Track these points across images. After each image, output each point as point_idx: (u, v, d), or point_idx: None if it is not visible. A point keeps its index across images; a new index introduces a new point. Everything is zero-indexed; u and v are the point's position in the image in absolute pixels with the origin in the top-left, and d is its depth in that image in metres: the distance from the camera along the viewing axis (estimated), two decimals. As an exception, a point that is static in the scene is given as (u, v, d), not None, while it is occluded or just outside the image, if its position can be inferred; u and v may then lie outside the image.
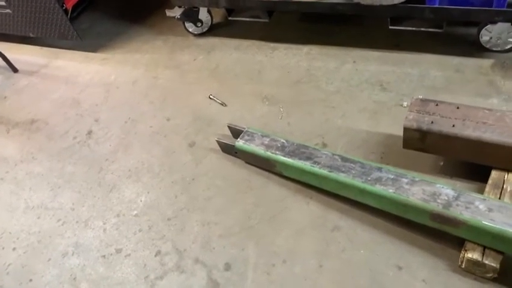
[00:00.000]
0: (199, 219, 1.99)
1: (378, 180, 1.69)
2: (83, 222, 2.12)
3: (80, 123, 2.67)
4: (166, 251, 1.91)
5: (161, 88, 2.77)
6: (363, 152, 2.09)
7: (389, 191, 1.64)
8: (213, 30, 3.09)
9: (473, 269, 1.53)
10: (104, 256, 1.96)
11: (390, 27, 2.46)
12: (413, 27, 2.42)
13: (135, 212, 2.10)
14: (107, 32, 3.41)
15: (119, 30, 3.39)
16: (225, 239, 1.89)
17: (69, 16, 3.15)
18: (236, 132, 2.19)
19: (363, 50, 2.63)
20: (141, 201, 2.14)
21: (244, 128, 2.14)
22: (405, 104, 2.22)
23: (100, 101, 2.80)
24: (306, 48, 2.77)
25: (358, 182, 1.73)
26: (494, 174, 1.68)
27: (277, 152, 1.98)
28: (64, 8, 3.06)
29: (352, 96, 2.39)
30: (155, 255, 1.91)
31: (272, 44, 2.87)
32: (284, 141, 2.01)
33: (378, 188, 1.67)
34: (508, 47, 2.31)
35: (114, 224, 2.08)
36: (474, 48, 2.41)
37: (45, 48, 3.45)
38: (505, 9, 2.11)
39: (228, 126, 2.25)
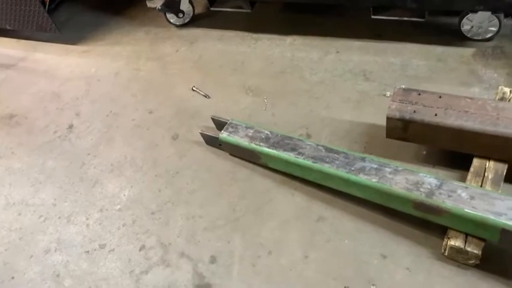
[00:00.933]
0: (183, 213, 1.97)
1: (362, 170, 1.70)
2: (65, 217, 2.08)
3: (60, 117, 2.62)
4: (150, 245, 1.89)
5: (143, 80, 2.73)
6: (346, 142, 2.10)
7: (372, 180, 1.65)
8: (195, 21, 3.05)
9: (456, 256, 1.55)
10: (87, 252, 1.93)
11: (372, 16, 2.46)
12: (395, 16, 2.42)
13: (119, 206, 2.08)
14: (87, 24, 3.34)
15: (99, 22, 3.32)
16: (210, 232, 1.88)
17: (47, 8, 3.07)
18: (220, 124, 2.17)
19: (346, 40, 2.63)
20: (124, 195, 2.11)
21: (228, 120, 2.12)
22: (388, 93, 2.22)
23: (81, 95, 2.74)
24: (289, 39, 2.76)
25: (342, 172, 1.73)
26: (475, 162, 1.70)
27: (261, 144, 1.97)
28: (42, -1, 2.99)
29: (336, 87, 2.38)
30: (140, 250, 1.89)
31: (255, 35, 2.84)
32: (268, 132, 2.00)
33: (362, 178, 1.67)
34: (489, 35, 2.33)
35: (97, 219, 2.05)
36: (456, 38, 2.43)
37: (22, 41, 3.36)
38: (485, -2, 2.13)
39: (212, 118, 2.23)
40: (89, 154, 2.36)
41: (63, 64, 3.03)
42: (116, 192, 2.14)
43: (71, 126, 2.54)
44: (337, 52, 2.59)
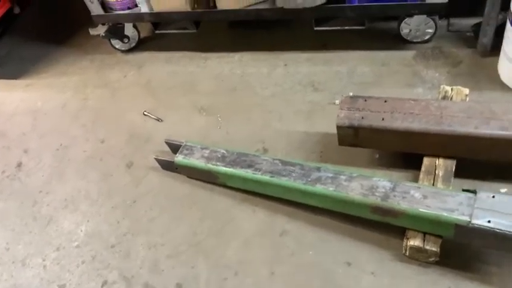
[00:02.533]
0: (144, 242, 1.92)
1: (318, 180, 1.71)
2: (20, 261, 1.98)
3: (7, 156, 2.50)
4: (113, 280, 1.83)
5: (92, 109, 2.66)
6: (303, 152, 2.11)
7: (329, 189, 1.66)
8: (142, 45, 3.02)
9: (416, 256, 1.58)
10: (46, 295, 1.84)
11: (315, 28, 2.52)
12: (336, 26, 2.48)
13: (76, 243, 2.00)
14: (29, 56, 3.23)
15: (42, 54, 3.22)
16: (173, 259, 1.84)
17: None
18: (175, 148, 2.14)
19: (293, 53, 2.67)
20: (81, 231, 2.04)
21: (183, 142, 2.10)
22: (337, 101, 2.26)
23: (28, 130, 2.64)
24: (237, 56, 2.77)
25: (299, 184, 1.74)
26: (426, 161, 1.75)
27: (218, 163, 1.95)
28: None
29: (287, 99, 2.41)
30: (102, 286, 1.81)
31: (204, 54, 2.84)
32: (224, 151, 1.98)
33: (319, 188, 1.69)
34: (427, 37, 2.43)
35: (54, 259, 1.96)
36: (397, 41, 2.51)
37: (-40, 80, 3.21)
38: (419, 2, 2.22)
39: (166, 142, 2.19)
40: (40, 191, 2.26)
41: (6, 100, 2.91)
42: (72, 228, 2.06)
43: (19, 164, 2.44)
44: (286, 65, 2.62)
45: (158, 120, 2.46)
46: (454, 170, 1.70)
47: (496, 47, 2.21)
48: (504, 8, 2.05)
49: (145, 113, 2.51)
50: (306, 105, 2.34)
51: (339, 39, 2.64)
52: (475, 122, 1.63)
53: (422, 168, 1.74)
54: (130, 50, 3.00)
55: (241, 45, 2.81)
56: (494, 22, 2.16)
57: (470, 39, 2.43)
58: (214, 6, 2.51)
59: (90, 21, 2.82)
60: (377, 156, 2.00)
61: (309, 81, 2.47)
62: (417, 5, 2.23)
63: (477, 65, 2.31)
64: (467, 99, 1.93)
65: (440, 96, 1.96)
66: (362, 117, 1.78)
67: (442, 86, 2.02)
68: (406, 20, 2.36)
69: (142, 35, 3.03)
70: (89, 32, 2.91)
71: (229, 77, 2.64)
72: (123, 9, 2.70)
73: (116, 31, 2.86)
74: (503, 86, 2.16)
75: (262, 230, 1.86)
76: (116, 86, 2.79)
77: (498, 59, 2.20)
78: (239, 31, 2.95)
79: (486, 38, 2.22)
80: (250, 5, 2.46)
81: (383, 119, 1.75)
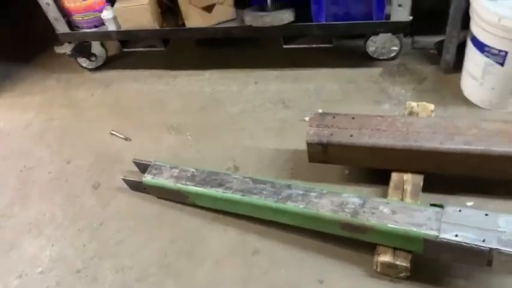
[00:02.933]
0: (112, 266, 1.85)
1: (289, 197, 1.70)
2: (-21, 290, 1.88)
3: (-33, 179, 2.40)
4: (78, 306, 1.76)
5: (58, 129, 2.59)
6: (273, 170, 2.11)
7: (300, 206, 1.66)
8: (109, 63, 2.98)
9: (387, 271, 1.58)
10: (6, 326, 1.75)
11: (284, 46, 2.54)
12: (305, 44, 2.52)
13: (40, 268, 1.91)
14: (-9, 75, 3.14)
15: (5, 73, 3.13)
16: (142, 282, 1.78)
17: None
18: (143, 167, 2.09)
19: (263, 71, 2.68)
20: (45, 256, 1.95)
21: (151, 162, 2.06)
22: (307, 118, 2.28)
23: (-11, 152, 2.54)
24: (207, 73, 2.77)
25: (270, 202, 1.72)
26: (394, 176, 1.77)
27: (187, 183, 1.92)
28: None
29: (258, 117, 2.41)
30: (67, 314, 1.74)
31: (173, 72, 2.82)
32: (194, 170, 1.96)
33: (290, 205, 1.68)
34: (393, 54, 2.49)
35: (16, 286, 1.87)
36: (364, 59, 2.56)
37: None
38: (384, 21, 2.28)
39: (134, 162, 2.15)
40: (2, 216, 2.17)
41: (-34, 121, 2.81)
42: (36, 253, 1.97)
43: (-21, 188, 2.34)
44: (256, 83, 2.63)
45: (126, 140, 2.41)
46: (421, 184, 1.73)
47: (458, 64, 2.28)
48: (465, 26, 2.12)
49: (112, 132, 2.46)
50: (276, 123, 2.35)
51: (308, 56, 2.67)
52: (440, 138, 1.67)
53: (391, 184, 1.75)
54: (98, 69, 2.95)
55: (211, 63, 2.81)
56: (456, 40, 2.23)
57: (434, 56, 2.50)
58: (183, 24, 2.51)
59: (56, 39, 2.77)
60: (347, 172, 2.01)
61: (279, 98, 2.48)
62: (382, 24, 2.29)
63: (441, 81, 2.37)
64: (433, 114, 1.97)
65: (406, 112, 2.00)
66: (331, 134, 1.79)
67: (408, 102, 2.06)
68: (372, 38, 2.41)
69: (110, 53, 2.99)
70: (54, 51, 2.85)
71: (199, 95, 2.63)
72: (89, 27, 2.67)
73: (82, 49, 2.81)
74: (466, 101, 2.23)
75: (234, 249, 1.82)
76: (82, 105, 2.73)
77: (461, 75, 2.27)
78: (208, 49, 2.95)
79: (449, 55, 2.29)
80: (218, 23, 2.47)
81: (351, 136, 1.77)
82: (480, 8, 1.85)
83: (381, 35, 2.39)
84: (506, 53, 1.87)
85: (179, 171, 1.98)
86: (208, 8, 2.40)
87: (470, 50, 2.05)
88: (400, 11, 2.23)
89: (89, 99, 2.76)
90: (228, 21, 2.49)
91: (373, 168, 1.89)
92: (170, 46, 2.85)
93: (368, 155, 1.76)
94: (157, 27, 2.53)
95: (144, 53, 2.90)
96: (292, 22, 2.35)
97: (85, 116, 2.65)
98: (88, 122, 2.60)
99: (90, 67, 2.93)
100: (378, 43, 2.43)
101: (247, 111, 2.46)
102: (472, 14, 1.97)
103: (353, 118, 1.83)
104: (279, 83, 2.59)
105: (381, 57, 2.51)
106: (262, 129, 2.33)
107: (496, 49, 1.88)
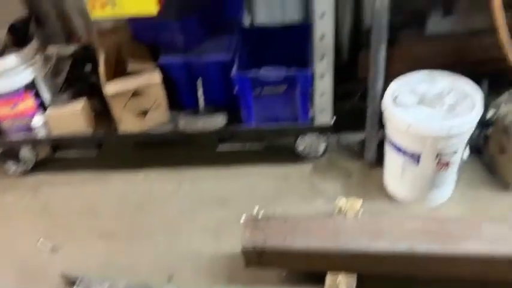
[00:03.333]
0: None
1: (225, 309, 1.66)
2: None
3: None
4: None
5: (-23, 241, 2.41)
6: (210, 275, 2.07)
7: (237, 319, 1.62)
8: (40, 167, 2.88)
9: None
10: None
11: (219, 147, 2.62)
12: (236, 148, 2.62)
13: None
14: None
15: None
16: None
17: None
18: (71, 282, 1.97)
19: (198, 170, 2.71)
20: None
21: (78, 277, 1.95)
22: (243, 220, 2.30)
23: None
24: (142, 174, 2.75)
25: (206, 316, 1.67)
26: (328, 278, 1.80)
27: (118, 298, 1.83)
28: None
29: (194, 218, 2.40)
30: None
31: (106, 174, 2.77)
32: (124, 284, 1.87)
33: (226, 318, 1.63)
34: (320, 153, 2.63)
35: None
36: (295, 157, 2.68)
37: None
38: (309, 124, 2.44)
39: (61, 276, 2.02)
40: None
41: None
42: None
43: None
44: (191, 182, 2.64)
45: (54, 250, 2.28)
46: (354, 285, 1.76)
47: (382, 159, 2.45)
48: (383, 125, 2.29)
49: (39, 243, 2.32)
50: (213, 224, 2.34)
51: (242, 155, 2.75)
52: (366, 239, 1.74)
53: (326, 286, 1.77)
54: (27, 172, 2.84)
55: (146, 163, 2.80)
56: (376, 139, 2.41)
57: (359, 152, 2.67)
58: (116, 128, 2.53)
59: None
60: (284, 274, 2.01)
61: (215, 197, 2.50)
62: (307, 127, 2.45)
63: (366, 176, 2.52)
64: (361, 211, 2.07)
65: (336, 210, 2.09)
66: (265, 239, 1.81)
67: (337, 199, 2.15)
68: (299, 138, 2.56)
69: (40, 156, 2.91)
70: (-23, 155, 2.74)
71: (133, 197, 2.58)
72: (18, 133, 2.60)
73: (10, 153, 2.72)
74: (390, 196, 2.37)
75: None
76: (8, 211, 2.58)
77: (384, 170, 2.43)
78: (143, 150, 2.96)
79: (370, 153, 2.47)
80: (152, 128, 2.51)
81: (285, 239, 1.80)
82: (391, 116, 2.04)
83: (308, 135, 2.53)
84: (420, 153, 2.04)
85: (109, 284, 1.90)
86: (143, 113, 2.46)
87: (388, 150, 2.23)
88: (323, 114, 2.40)
89: (16, 205, 2.62)
90: (162, 123, 2.54)
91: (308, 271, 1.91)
92: (105, 148, 2.83)
93: (302, 258, 1.79)
94: (90, 133, 2.52)
95: (77, 156, 2.85)
96: (225, 125, 2.45)
97: (10, 223, 2.50)
98: (12, 230, 2.44)
99: (18, 171, 2.82)
100: (306, 143, 2.57)
101: (183, 211, 2.44)
102: (385, 119, 2.17)
103: (285, 221, 1.87)
104: (215, 181, 2.62)
105: (309, 156, 2.64)
106: (199, 231, 2.31)
107: (410, 151, 2.06)
